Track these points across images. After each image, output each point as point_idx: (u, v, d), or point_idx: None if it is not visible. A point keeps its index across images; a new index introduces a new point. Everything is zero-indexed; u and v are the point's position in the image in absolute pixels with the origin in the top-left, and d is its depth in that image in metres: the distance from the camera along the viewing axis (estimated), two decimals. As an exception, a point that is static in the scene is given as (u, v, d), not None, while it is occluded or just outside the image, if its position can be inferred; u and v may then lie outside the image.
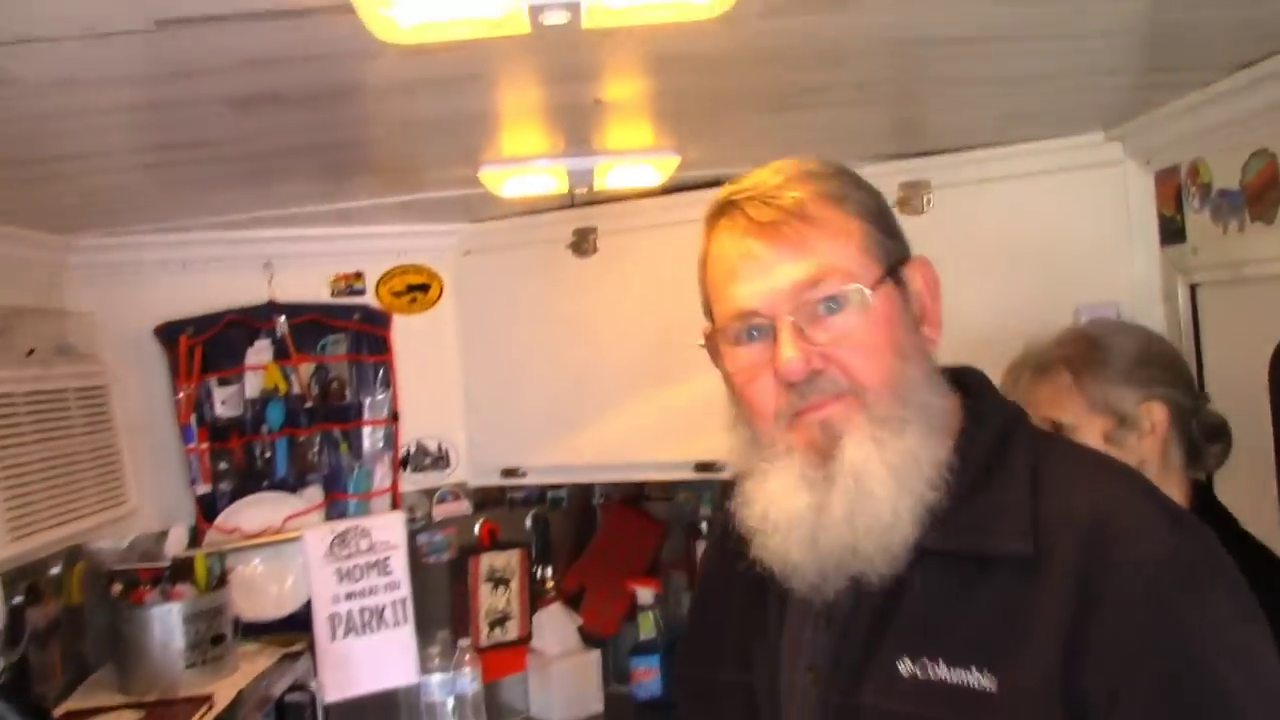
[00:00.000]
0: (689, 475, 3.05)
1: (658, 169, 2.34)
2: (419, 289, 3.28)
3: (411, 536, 3.21)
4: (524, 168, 2.23)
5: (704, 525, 3.49)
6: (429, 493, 3.31)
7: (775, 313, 1.08)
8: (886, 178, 2.69)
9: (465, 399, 3.31)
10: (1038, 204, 2.57)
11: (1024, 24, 1.62)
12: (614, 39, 1.45)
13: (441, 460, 3.31)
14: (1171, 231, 2.39)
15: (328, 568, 3.00)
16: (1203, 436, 1.69)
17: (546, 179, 2.31)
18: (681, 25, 1.34)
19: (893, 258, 1.11)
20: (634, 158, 2.26)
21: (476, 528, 3.41)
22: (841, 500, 1.05)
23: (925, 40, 1.68)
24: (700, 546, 3.48)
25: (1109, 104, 2.26)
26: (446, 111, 1.86)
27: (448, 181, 2.54)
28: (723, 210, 1.14)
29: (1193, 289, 2.35)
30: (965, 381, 1.18)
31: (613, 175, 2.34)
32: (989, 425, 1.11)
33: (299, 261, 3.09)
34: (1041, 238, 2.55)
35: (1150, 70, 2.01)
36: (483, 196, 2.69)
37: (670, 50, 1.57)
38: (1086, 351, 1.70)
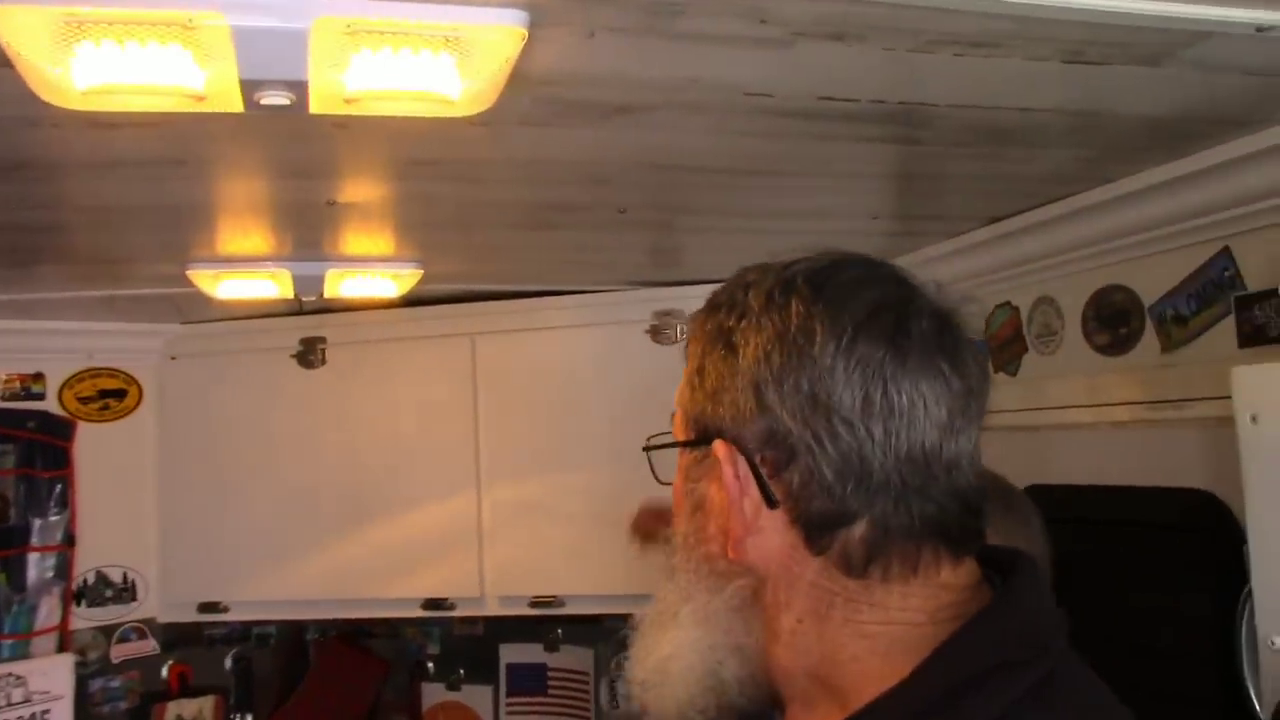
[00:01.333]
0: (416, 613, 2.77)
1: (396, 282, 2.13)
2: (113, 395, 2.87)
3: (81, 683, 2.73)
4: (242, 270, 1.97)
5: (430, 664, 3.19)
6: (108, 631, 2.84)
7: None
8: (640, 304, 2.60)
9: (160, 523, 2.88)
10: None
11: (783, 160, 1.56)
12: (351, 132, 1.25)
13: (126, 593, 2.86)
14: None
15: (-33, 726, 2.48)
16: None
17: (267, 284, 2.05)
18: (433, 124, 1.17)
19: (700, 426, 0.84)
20: (371, 268, 2.04)
21: (164, 671, 2.96)
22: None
23: (688, 167, 1.58)
24: (426, 688, 3.18)
25: (865, 247, 2.26)
26: (149, 198, 1.58)
27: (153, 278, 2.22)
28: None
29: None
30: (1005, 570, 0.83)
31: (346, 285, 2.10)
32: (973, 650, 0.76)
33: (-39, 357, 2.63)
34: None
35: (904, 217, 2.02)
36: (195, 295, 2.38)
37: (420, 153, 1.39)
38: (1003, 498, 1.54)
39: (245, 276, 1.98)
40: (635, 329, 2.59)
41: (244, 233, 1.83)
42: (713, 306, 0.85)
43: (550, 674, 3.05)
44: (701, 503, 0.84)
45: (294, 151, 1.35)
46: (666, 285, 2.59)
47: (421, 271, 2.09)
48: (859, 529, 0.77)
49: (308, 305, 2.76)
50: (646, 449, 0.91)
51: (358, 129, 1.22)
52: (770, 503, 0.78)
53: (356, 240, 1.95)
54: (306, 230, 1.85)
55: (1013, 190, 1.80)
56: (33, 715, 2.56)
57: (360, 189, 1.61)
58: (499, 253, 2.11)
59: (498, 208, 1.73)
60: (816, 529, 0.78)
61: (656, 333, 2.59)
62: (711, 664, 0.83)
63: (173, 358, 2.91)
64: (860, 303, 0.79)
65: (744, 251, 0.88)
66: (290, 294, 2.06)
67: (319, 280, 2.03)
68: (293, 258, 1.99)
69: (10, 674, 2.54)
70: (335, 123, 1.14)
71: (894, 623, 0.78)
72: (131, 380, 2.89)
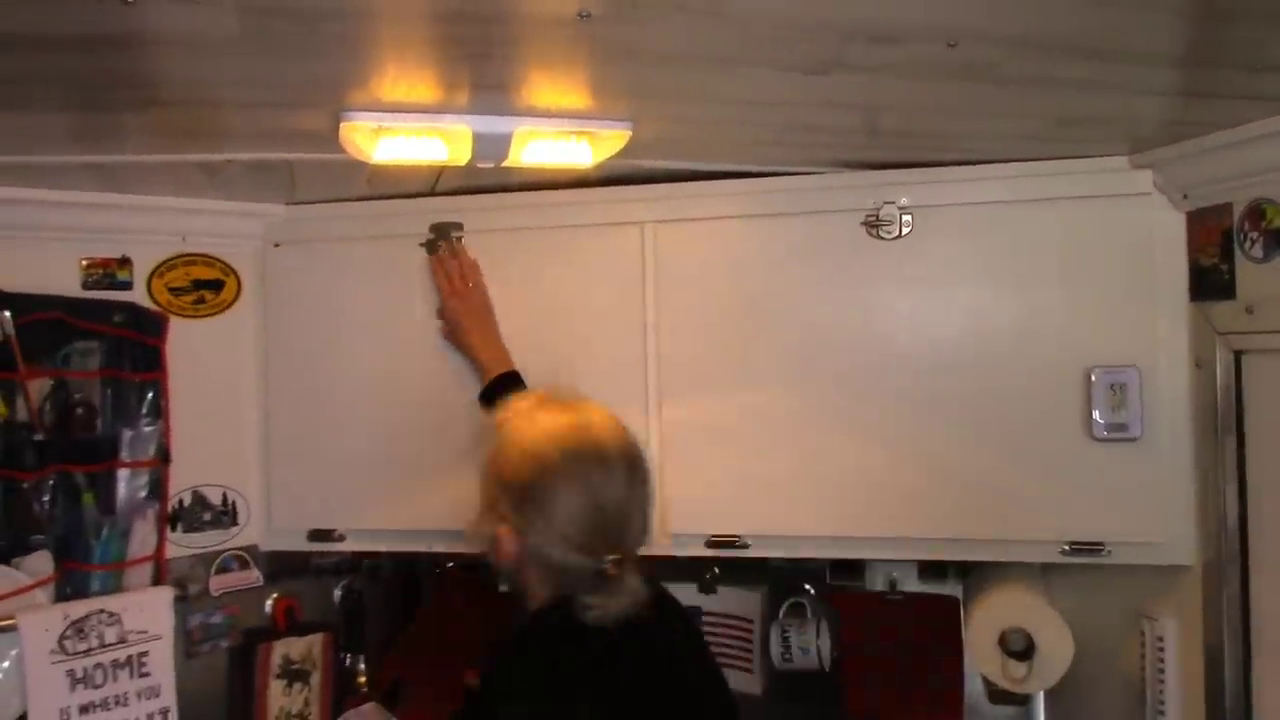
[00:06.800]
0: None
1: (594, 146, 1.67)
2: (209, 286, 2.44)
3: (179, 619, 2.36)
4: (411, 123, 1.50)
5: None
6: (206, 559, 2.46)
7: None
8: (854, 191, 2.13)
9: (265, 436, 2.48)
10: (1042, 236, 2.07)
11: None
12: None
13: (225, 516, 2.48)
14: (1213, 286, 1.92)
15: (55, 670, 2.11)
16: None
17: (435, 144, 1.59)
18: None
19: None
20: (571, 125, 1.57)
21: (269, 605, 2.59)
22: None
23: None
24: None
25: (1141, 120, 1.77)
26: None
27: (276, 135, 1.76)
28: None
29: (1237, 356, 1.90)
30: None
31: (532, 150, 1.64)
32: None
33: (37, 235, 2.19)
34: (1047, 276, 2.07)
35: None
36: (310, 166, 1.94)
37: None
38: None
39: (414, 133, 1.51)
40: (848, 219, 2.12)
41: (419, 64, 1.36)
42: None
43: (705, 619, 2.65)
44: None
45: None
46: (883, 168, 2.11)
47: (629, 133, 1.62)
48: None
49: (441, 186, 2.31)
50: None
51: None
52: None
53: (555, 86, 1.47)
54: (496, 67, 1.37)
55: None
56: (129, 658, 2.19)
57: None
58: (734, 110, 1.62)
59: (788, 27, 1.24)
60: None
61: (871, 226, 2.11)
62: None
63: (276, 244, 2.47)
64: None
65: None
66: (465, 158, 1.59)
67: (505, 141, 1.56)
68: (471, 109, 1.53)
69: (103, 610, 2.16)
70: None
71: None
72: (229, 270, 2.46)
